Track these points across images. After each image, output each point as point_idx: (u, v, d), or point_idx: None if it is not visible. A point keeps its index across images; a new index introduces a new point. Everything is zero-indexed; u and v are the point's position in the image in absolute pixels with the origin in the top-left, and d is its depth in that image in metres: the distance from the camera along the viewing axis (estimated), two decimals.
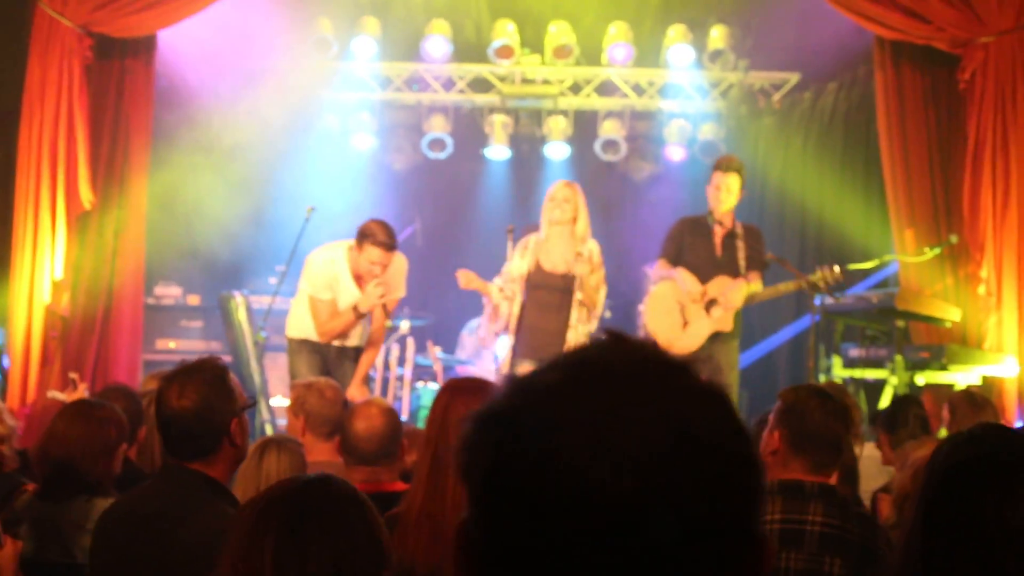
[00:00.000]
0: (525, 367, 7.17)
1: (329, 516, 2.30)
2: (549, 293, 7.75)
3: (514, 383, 1.10)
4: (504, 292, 7.80)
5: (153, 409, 3.67)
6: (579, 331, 7.68)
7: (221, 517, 3.36)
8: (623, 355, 1.09)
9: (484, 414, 1.10)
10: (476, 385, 3.59)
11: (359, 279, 7.49)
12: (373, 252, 7.28)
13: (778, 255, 8.42)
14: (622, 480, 1.00)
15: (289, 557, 2.25)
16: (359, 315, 7.44)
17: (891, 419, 5.80)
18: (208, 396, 3.48)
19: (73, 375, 7.04)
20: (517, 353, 7.75)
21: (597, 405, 1.04)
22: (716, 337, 8.04)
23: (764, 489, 1.11)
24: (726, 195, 8.12)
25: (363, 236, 7.32)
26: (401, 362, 9.71)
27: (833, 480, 3.73)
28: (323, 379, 5.53)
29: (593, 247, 7.78)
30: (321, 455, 4.88)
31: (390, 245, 7.30)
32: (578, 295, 7.66)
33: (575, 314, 7.70)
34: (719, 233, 8.19)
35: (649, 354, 1.10)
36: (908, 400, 6.38)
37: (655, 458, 1.01)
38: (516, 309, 7.79)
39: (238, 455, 3.65)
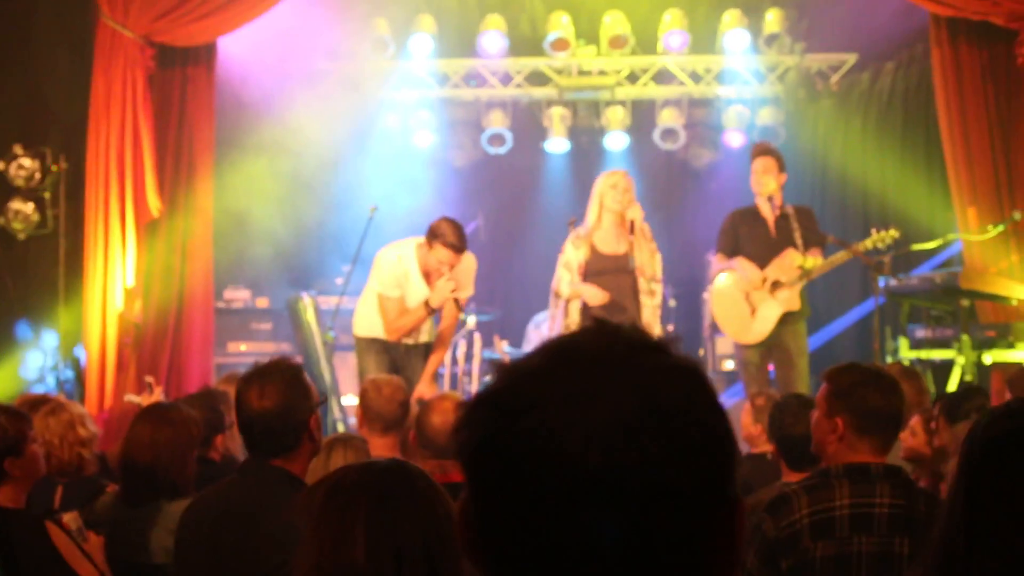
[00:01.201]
0: None
1: (415, 496, 2.37)
2: (613, 276, 7.78)
3: (503, 368, 1.21)
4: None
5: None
6: (645, 304, 7.73)
7: None
8: (600, 339, 1.19)
9: (476, 397, 1.20)
10: None
11: (428, 276, 7.49)
12: (442, 252, 7.28)
13: (839, 237, 8.40)
14: (590, 451, 1.09)
15: (382, 536, 2.30)
16: (430, 311, 7.46)
17: (953, 407, 5.63)
18: (287, 395, 3.61)
19: (149, 379, 7.15)
20: None
21: (571, 385, 1.13)
22: (786, 320, 8.04)
23: (735, 455, 1.18)
24: (766, 177, 8.18)
25: (433, 235, 7.31)
26: (468, 357, 9.79)
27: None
28: (387, 376, 5.58)
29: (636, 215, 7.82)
30: (374, 451, 4.86)
31: (459, 247, 7.30)
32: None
33: (642, 284, 7.76)
34: (771, 217, 8.23)
35: (623, 336, 1.19)
36: (974, 391, 6.10)
37: (620, 430, 1.10)
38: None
39: (315, 450, 3.79)
